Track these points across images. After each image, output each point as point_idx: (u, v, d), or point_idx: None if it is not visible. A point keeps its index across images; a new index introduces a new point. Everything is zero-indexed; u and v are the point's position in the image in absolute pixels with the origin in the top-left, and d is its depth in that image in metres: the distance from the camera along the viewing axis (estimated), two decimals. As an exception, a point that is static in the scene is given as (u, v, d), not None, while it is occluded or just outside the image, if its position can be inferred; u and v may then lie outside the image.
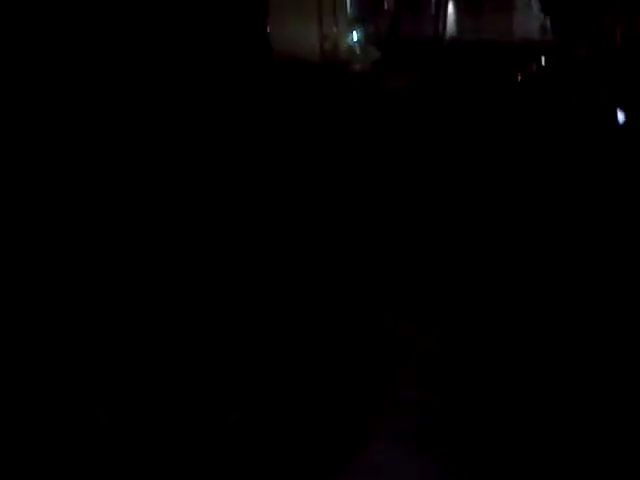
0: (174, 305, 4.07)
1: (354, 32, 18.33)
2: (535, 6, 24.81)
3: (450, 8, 22.96)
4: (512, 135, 9.97)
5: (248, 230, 5.29)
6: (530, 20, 25.19)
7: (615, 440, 2.82)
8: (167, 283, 4.49)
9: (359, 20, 18.94)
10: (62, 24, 9.55)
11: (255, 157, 7.76)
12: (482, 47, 17.75)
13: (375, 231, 5.20)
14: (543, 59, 17.40)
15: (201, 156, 7.86)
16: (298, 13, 15.72)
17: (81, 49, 9.85)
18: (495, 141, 9.45)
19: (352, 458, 2.73)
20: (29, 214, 6.02)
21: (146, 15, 12.70)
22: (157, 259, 5.01)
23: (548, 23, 25.07)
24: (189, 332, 3.72)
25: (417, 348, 3.49)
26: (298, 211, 5.37)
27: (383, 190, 6.16)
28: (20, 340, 3.60)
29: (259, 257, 4.59)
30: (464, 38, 22.09)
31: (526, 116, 11.39)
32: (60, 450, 2.65)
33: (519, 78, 15.56)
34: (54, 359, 3.38)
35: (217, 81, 13.94)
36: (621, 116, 10.64)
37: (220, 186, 6.85)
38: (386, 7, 20.27)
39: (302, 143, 9.24)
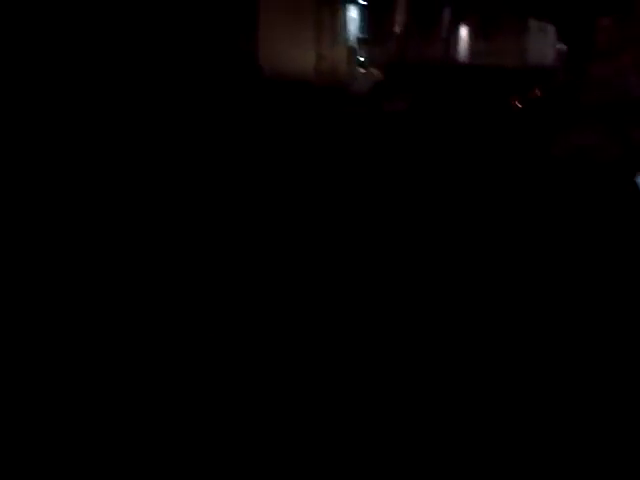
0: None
1: (356, 53, 17.90)
2: (550, 31, 24.15)
3: (463, 31, 22.49)
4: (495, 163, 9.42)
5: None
6: (543, 45, 24.51)
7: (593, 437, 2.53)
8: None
9: (364, 41, 18.52)
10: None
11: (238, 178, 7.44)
12: (487, 72, 17.19)
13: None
14: (548, 85, 16.76)
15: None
16: (292, 31, 15.34)
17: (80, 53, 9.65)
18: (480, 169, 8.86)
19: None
20: (29, 214, 5.92)
21: (139, 28, 12.51)
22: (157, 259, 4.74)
23: (564, 48, 24.37)
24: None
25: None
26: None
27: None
28: (20, 340, 3.40)
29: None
30: (473, 62, 21.53)
31: (511, 147, 10.80)
32: (60, 450, 2.56)
33: (519, 104, 14.95)
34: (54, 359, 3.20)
35: (200, 99, 13.65)
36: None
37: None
38: (395, 29, 19.85)
39: (289, 163, 8.90)
